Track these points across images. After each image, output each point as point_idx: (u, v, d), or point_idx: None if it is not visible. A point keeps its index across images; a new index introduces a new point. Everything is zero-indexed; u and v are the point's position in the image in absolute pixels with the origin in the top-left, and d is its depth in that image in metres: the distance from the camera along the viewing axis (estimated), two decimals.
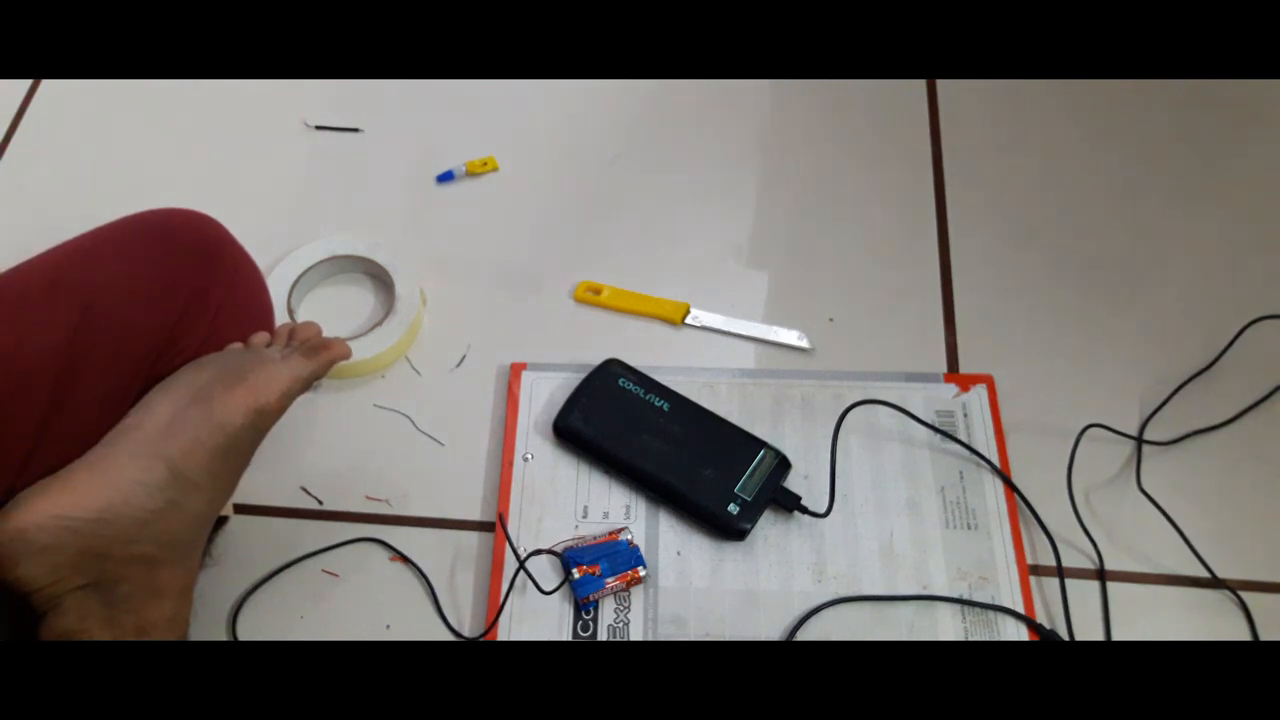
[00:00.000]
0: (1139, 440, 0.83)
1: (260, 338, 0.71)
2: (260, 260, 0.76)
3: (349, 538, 0.80)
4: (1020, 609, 0.75)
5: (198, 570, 0.65)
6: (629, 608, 0.76)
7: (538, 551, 0.77)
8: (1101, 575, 0.77)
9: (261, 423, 0.64)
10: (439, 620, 0.76)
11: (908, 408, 0.83)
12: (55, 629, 0.57)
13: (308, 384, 0.68)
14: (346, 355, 0.72)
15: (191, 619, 0.64)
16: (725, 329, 0.91)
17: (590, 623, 0.75)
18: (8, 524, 0.56)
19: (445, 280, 0.95)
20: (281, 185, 1.02)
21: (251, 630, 0.76)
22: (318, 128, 1.06)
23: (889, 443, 0.83)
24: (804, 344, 0.89)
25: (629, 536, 0.77)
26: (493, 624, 0.75)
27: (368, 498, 0.82)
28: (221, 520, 0.79)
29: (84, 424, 0.62)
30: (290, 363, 0.67)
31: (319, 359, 0.69)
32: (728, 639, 0.74)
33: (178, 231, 0.70)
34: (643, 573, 0.76)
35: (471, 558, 0.79)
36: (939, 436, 0.83)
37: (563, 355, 0.88)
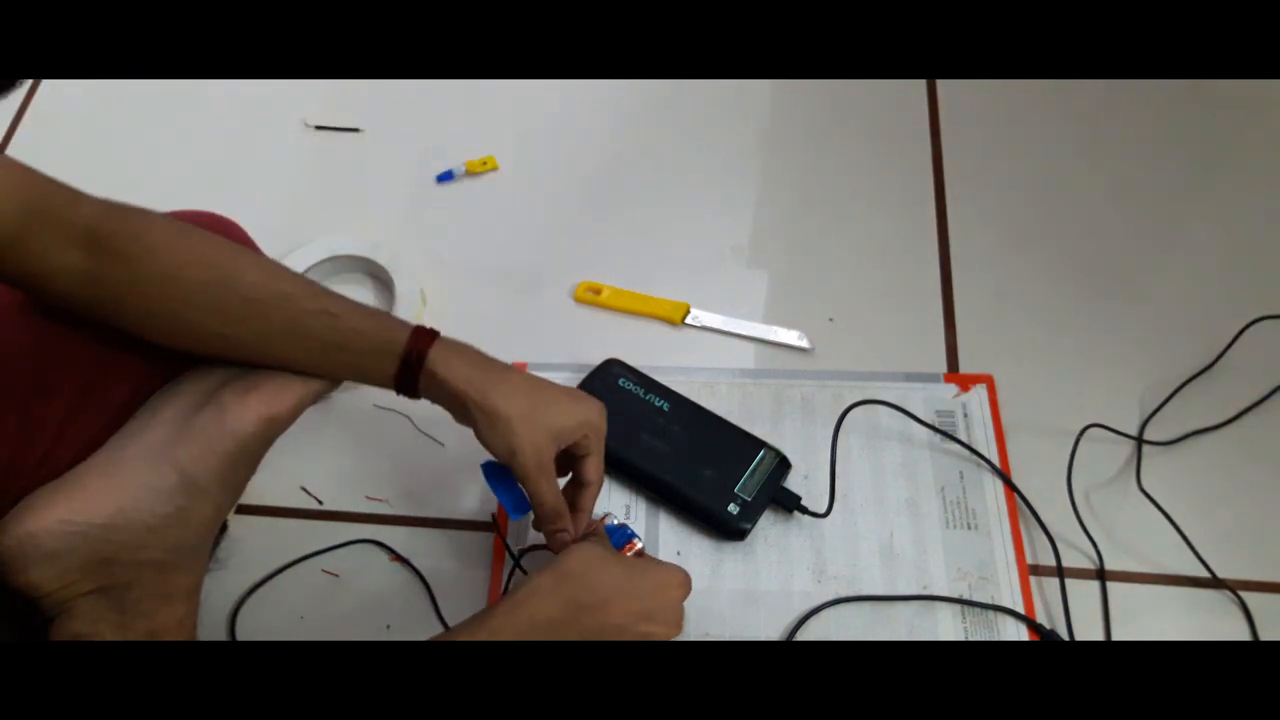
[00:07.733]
0: (1139, 440, 0.83)
1: None
2: None
3: (349, 538, 0.80)
4: (1020, 609, 0.75)
5: (204, 574, 0.64)
6: None
7: (534, 548, 0.77)
8: (1101, 575, 0.77)
9: (272, 431, 0.63)
10: (439, 620, 0.76)
11: (908, 408, 0.83)
12: (66, 633, 0.56)
13: (319, 396, 0.66)
14: None
15: None
16: (725, 329, 0.91)
17: None
18: (17, 528, 0.55)
19: (445, 280, 0.94)
20: (282, 185, 1.02)
21: (251, 630, 0.76)
22: (318, 128, 1.06)
23: (889, 443, 0.83)
24: (804, 344, 0.89)
25: (614, 520, 0.74)
26: None
27: (368, 498, 0.82)
28: (222, 527, 0.79)
29: (94, 428, 0.61)
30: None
31: None
32: (728, 639, 0.74)
33: None
34: (639, 544, 0.72)
35: (471, 558, 0.79)
36: (939, 436, 0.83)
37: (563, 355, 0.88)
